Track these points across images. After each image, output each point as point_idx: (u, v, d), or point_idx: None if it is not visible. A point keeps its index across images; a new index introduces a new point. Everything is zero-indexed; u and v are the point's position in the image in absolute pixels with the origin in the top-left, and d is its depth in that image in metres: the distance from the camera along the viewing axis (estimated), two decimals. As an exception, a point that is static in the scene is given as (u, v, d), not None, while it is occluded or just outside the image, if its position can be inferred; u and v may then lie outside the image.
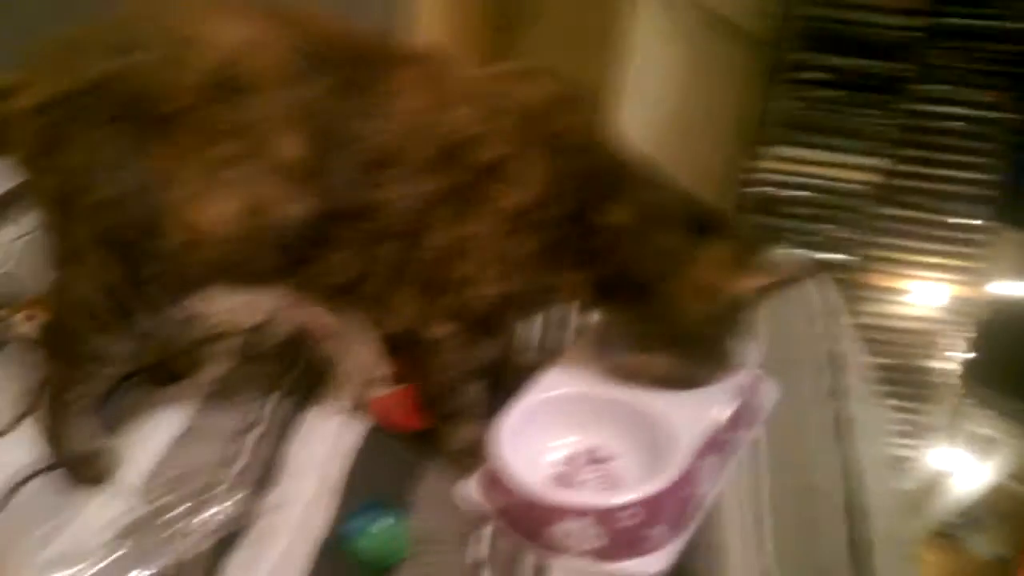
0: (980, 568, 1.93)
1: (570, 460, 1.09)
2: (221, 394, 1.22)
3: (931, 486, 1.95)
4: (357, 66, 0.99)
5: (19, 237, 1.49)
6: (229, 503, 1.04)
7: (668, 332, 1.06)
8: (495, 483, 1.03)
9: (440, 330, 1.06)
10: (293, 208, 0.99)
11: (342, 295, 1.08)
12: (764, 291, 1.06)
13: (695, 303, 1.03)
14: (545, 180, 1.00)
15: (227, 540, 1.00)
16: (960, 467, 1.93)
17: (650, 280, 1.04)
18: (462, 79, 1.03)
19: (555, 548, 0.98)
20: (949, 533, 1.97)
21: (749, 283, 1.03)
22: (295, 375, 1.26)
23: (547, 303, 1.13)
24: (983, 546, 1.96)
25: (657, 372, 1.08)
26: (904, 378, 1.88)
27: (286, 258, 1.04)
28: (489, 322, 1.07)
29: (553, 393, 1.10)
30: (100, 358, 1.06)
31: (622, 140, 1.06)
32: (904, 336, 1.88)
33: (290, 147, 0.96)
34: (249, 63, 0.96)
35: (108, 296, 1.01)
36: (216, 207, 1.00)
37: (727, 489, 1.08)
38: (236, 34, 0.97)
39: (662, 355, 1.07)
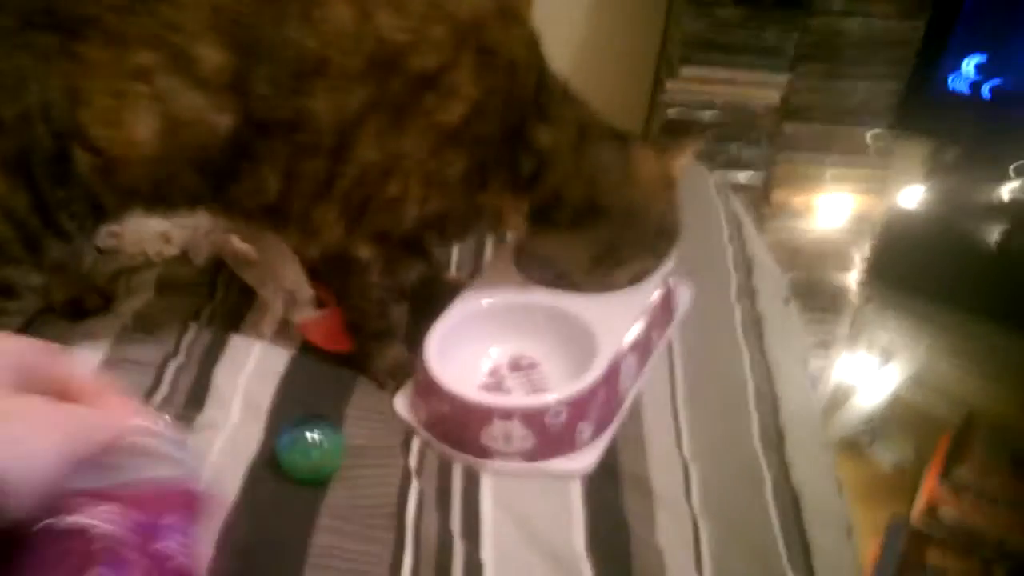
0: (883, 476, 2.04)
1: (495, 370, 1.11)
2: (138, 326, 1.20)
3: (837, 396, 2.03)
4: None
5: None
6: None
7: (636, 236, 1.08)
8: (424, 394, 1.05)
9: (365, 252, 1.05)
10: (215, 122, 0.95)
11: (265, 216, 1.06)
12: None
13: (655, 199, 1.07)
14: (476, 95, 0.98)
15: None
16: (864, 377, 2.02)
17: (600, 195, 1.04)
18: None
19: (484, 453, 1.00)
20: (854, 442, 2.06)
21: (682, 163, 1.08)
22: (215, 303, 1.25)
23: (476, 226, 1.13)
24: (886, 454, 2.06)
25: (636, 273, 1.12)
26: (811, 292, 1.95)
27: (207, 178, 1.01)
28: (414, 243, 1.07)
29: (477, 304, 1.12)
30: (10, 291, 1.03)
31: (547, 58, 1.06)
32: (810, 250, 1.95)
33: (211, 56, 0.92)
34: None
35: (15, 226, 0.97)
36: (130, 127, 0.95)
37: (646, 387, 1.12)
38: None
39: (636, 258, 1.11)
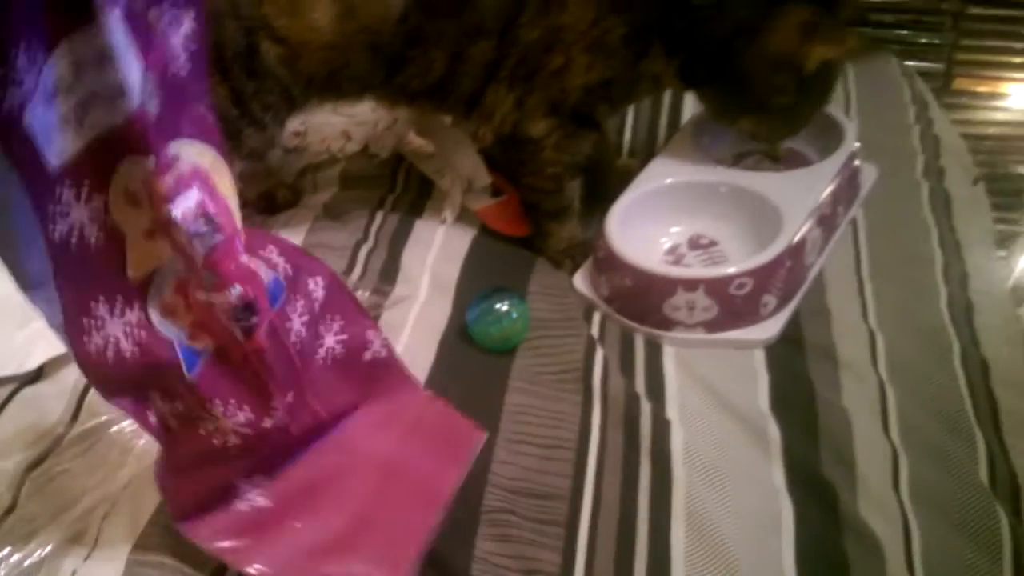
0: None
1: (675, 248, 1.13)
2: (328, 216, 1.27)
3: (1018, 291, 1.94)
4: None
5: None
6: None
7: (749, 103, 1.07)
8: (605, 268, 1.07)
9: (537, 128, 1.09)
10: (388, 4, 1.02)
11: (431, 98, 1.12)
12: (836, 60, 1.05)
13: (772, 73, 1.02)
14: None
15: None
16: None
17: (728, 55, 1.03)
18: None
19: (666, 325, 1.03)
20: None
21: (821, 52, 1.00)
22: (397, 194, 1.31)
23: (636, 92, 1.15)
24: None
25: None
26: (994, 186, 1.85)
27: (379, 62, 1.07)
28: (583, 114, 1.09)
29: (656, 184, 1.13)
30: None
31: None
32: (994, 141, 1.85)
33: None
34: None
35: (217, 117, 1.06)
36: (309, 15, 1.03)
37: (830, 261, 1.11)
38: None
39: (746, 120, 1.09)
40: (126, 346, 0.69)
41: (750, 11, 1.01)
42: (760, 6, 1.01)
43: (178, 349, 0.72)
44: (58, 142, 0.61)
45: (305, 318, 0.81)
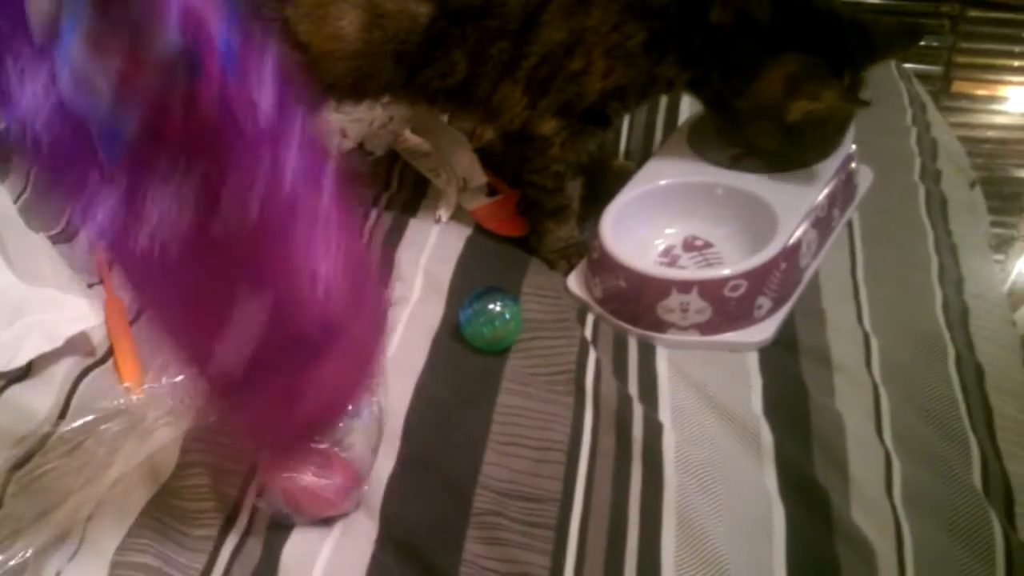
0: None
1: (669, 249, 1.12)
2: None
3: (1014, 295, 1.94)
4: None
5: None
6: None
7: (740, 137, 1.10)
8: (599, 270, 1.07)
9: (547, 126, 1.08)
10: (416, 13, 1.02)
11: (449, 98, 1.12)
12: (833, 115, 1.06)
13: (757, 117, 1.05)
14: None
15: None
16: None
17: (728, 87, 1.05)
18: None
19: (660, 327, 1.02)
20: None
21: (802, 106, 1.02)
22: (392, 192, 1.30)
23: (650, 94, 1.14)
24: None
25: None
26: (991, 189, 1.85)
27: (402, 67, 1.07)
28: (597, 114, 1.09)
29: (651, 185, 1.12)
30: None
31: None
32: (993, 144, 1.85)
33: None
34: None
35: None
36: (335, 23, 1.03)
37: (825, 263, 1.11)
38: None
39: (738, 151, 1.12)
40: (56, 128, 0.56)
41: (752, 51, 1.02)
42: (760, 49, 1.02)
43: (94, 128, 0.56)
44: None
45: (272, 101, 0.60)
